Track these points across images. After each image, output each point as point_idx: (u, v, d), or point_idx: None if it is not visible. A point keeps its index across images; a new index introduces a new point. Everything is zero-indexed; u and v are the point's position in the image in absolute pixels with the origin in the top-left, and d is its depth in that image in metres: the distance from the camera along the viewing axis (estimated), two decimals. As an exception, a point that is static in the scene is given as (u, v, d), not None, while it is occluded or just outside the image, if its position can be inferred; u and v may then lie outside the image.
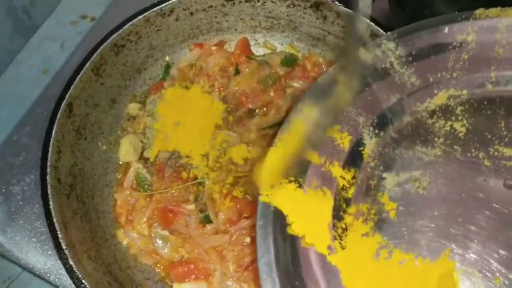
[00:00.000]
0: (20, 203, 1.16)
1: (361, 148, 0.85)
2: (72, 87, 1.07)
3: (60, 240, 0.96)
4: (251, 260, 1.06)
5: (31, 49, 1.44)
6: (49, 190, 1.00)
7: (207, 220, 1.09)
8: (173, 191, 1.12)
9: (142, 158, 1.18)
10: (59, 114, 1.05)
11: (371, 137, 0.86)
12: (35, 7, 1.44)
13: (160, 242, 1.10)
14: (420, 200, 0.82)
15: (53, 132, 1.03)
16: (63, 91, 1.07)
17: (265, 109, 1.20)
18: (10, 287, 1.17)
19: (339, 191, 0.81)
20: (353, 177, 0.83)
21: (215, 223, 1.08)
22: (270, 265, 0.74)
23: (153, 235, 1.10)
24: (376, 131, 0.86)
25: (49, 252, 1.12)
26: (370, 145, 0.85)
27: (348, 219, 0.81)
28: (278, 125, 1.17)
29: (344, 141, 0.84)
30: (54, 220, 0.97)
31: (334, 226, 0.79)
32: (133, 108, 1.22)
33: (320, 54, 1.26)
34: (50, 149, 1.02)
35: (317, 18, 1.19)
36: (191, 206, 1.10)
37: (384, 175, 0.84)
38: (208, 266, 1.07)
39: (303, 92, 1.21)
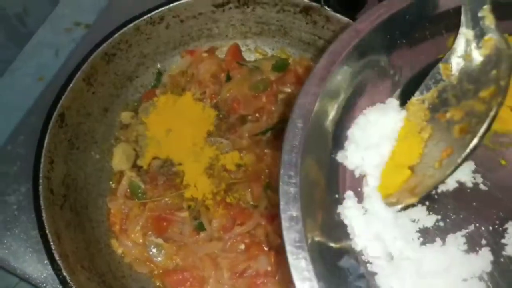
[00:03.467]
0: (16, 212, 1.16)
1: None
2: (63, 97, 1.07)
3: (53, 251, 0.96)
4: (245, 267, 1.06)
5: (25, 56, 1.44)
6: (41, 201, 1.00)
7: (201, 227, 1.09)
8: (166, 199, 1.12)
9: (135, 167, 1.18)
10: (50, 125, 1.05)
11: None
12: (29, 15, 1.45)
13: (154, 250, 1.10)
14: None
15: (45, 143, 1.04)
16: (54, 101, 1.07)
17: (257, 115, 1.21)
18: (8, 298, 1.18)
19: None
20: None
21: (209, 231, 1.09)
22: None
23: (147, 243, 1.10)
24: None
25: (45, 262, 1.09)
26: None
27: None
28: (270, 130, 1.18)
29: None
30: (47, 231, 0.98)
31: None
32: (125, 116, 1.22)
33: (311, 59, 1.26)
34: (42, 160, 1.03)
35: (307, 23, 1.19)
36: (185, 214, 1.10)
37: None
38: (203, 274, 1.07)
39: (295, 97, 1.22)
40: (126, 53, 1.19)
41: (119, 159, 1.18)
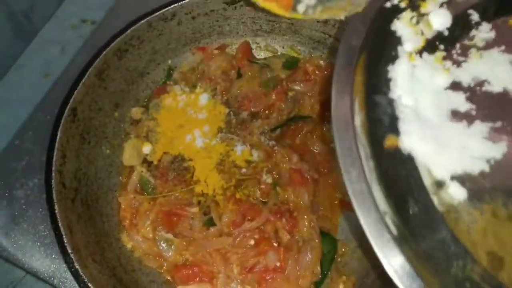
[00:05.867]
0: (24, 207, 1.16)
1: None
2: (76, 92, 1.08)
3: (66, 244, 0.97)
4: (255, 263, 1.07)
5: (31, 53, 1.44)
6: (54, 195, 1.00)
7: (210, 223, 1.10)
8: (176, 194, 1.13)
9: (145, 162, 1.19)
10: (63, 119, 1.05)
11: None
12: (35, 11, 1.44)
13: (164, 245, 1.10)
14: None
15: (58, 137, 1.04)
16: (67, 96, 1.07)
17: (267, 112, 1.21)
18: (14, 291, 1.18)
19: None
20: None
21: (218, 226, 1.09)
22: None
23: (157, 238, 1.11)
24: None
25: (53, 256, 1.10)
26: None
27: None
28: (280, 128, 1.19)
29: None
30: (60, 225, 0.98)
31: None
32: (136, 112, 1.23)
33: (321, 57, 1.27)
34: (55, 153, 1.03)
35: (318, 21, 1.20)
36: (195, 209, 1.11)
37: None
38: (212, 269, 1.08)
39: (304, 95, 1.23)
40: (138, 49, 1.20)
41: (130, 154, 1.18)
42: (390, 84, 0.77)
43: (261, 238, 1.09)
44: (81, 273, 0.95)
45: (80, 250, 0.99)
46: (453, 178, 0.73)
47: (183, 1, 1.17)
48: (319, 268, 1.08)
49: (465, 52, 0.82)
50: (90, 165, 1.14)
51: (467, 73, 0.80)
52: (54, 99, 1.10)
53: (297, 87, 1.24)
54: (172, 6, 1.17)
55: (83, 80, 1.09)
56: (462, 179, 0.73)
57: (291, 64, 1.26)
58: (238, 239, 1.08)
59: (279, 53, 1.32)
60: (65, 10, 1.51)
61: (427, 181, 0.73)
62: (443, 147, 0.74)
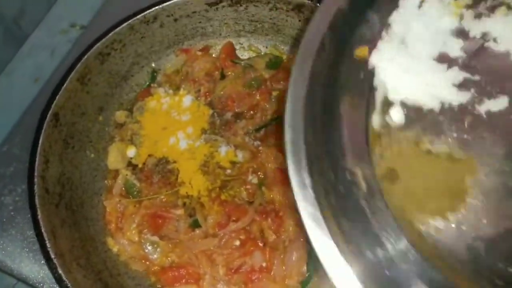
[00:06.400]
0: (12, 213, 1.16)
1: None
2: (57, 97, 1.08)
3: (49, 249, 0.97)
4: (241, 263, 1.07)
5: (21, 58, 1.44)
6: (36, 200, 1.01)
7: (196, 224, 1.09)
8: (161, 197, 1.13)
9: (130, 165, 1.19)
10: (45, 124, 1.06)
11: None
12: (25, 17, 1.45)
13: (150, 248, 1.10)
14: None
15: (40, 142, 1.04)
16: (49, 101, 1.08)
17: (251, 112, 1.21)
18: (5, 299, 1.18)
19: None
20: None
21: (204, 227, 1.09)
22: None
23: (143, 241, 1.11)
24: None
25: (42, 262, 1.09)
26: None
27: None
28: (264, 128, 1.18)
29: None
30: (43, 230, 0.98)
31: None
32: (120, 115, 1.23)
33: (304, 56, 1.26)
34: (37, 159, 1.03)
35: (299, 20, 1.20)
36: (180, 211, 1.11)
37: None
38: (198, 270, 1.08)
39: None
40: (120, 53, 1.19)
41: (114, 158, 1.18)
42: (390, 9, 0.78)
43: (247, 239, 1.08)
44: (64, 278, 0.95)
45: (64, 255, 0.99)
46: (402, 103, 0.75)
47: (164, 4, 1.17)
48: (305, 267, 1.07)
49: (494, 8, 0.80)
50: (75, 169, 1.14)
51: (480, 26, 0.79)
52: (42, 104, 1.10)
53: (281, 87, 1.23)
54: (153, 8, 1.17)
55: (64, 85, 1.09)
56: (409, 107, 0.75)
57: (275, 63, 1.25)
58: (223, 240, 1.08)
59: (262, 53, 1.32)
60: (54, 15, 1.51)
61: (379, 95, 0.75)
62: (409, 74, 0.75)
